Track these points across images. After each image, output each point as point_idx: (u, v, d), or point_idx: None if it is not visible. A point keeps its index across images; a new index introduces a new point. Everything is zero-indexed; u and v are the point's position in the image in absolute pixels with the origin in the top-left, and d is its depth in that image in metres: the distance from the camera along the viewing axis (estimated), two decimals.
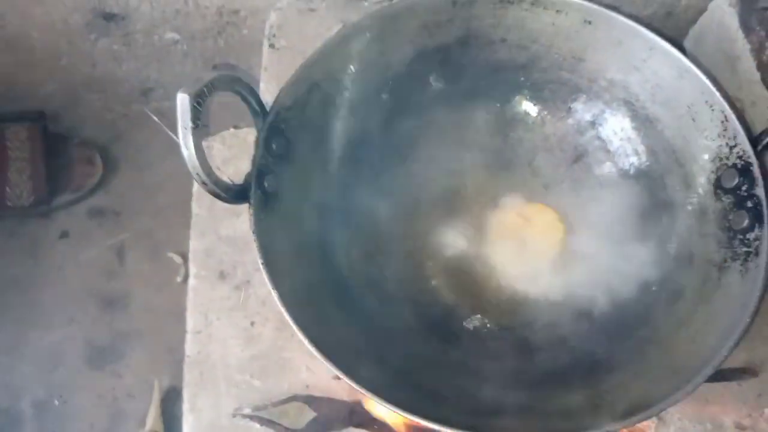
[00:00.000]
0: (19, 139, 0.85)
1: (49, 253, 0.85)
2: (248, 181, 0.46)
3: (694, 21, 0.73)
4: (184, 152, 0.42)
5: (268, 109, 0.48)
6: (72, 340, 0.80)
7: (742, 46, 0.66)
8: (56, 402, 0.78)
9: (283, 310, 0.42)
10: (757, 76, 0.63)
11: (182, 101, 0.41)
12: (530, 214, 0.58)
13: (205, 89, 0.42)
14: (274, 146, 0.48)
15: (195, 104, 0.41)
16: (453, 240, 0.56)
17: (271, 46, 0.67)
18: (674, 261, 0.51)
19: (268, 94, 0.63)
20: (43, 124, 0.87)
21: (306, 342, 0.41)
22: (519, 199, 0.58)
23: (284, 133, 0.49)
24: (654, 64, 0.53)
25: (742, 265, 0.46)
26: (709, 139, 0.50)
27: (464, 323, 0.53)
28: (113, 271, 0.84)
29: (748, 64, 0.64)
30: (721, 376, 0.49)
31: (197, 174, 0.42)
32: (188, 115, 0.41)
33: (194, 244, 0.58)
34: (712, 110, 0.50)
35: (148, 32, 0.78)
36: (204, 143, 0.63)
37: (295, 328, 0.42)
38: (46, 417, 0.77)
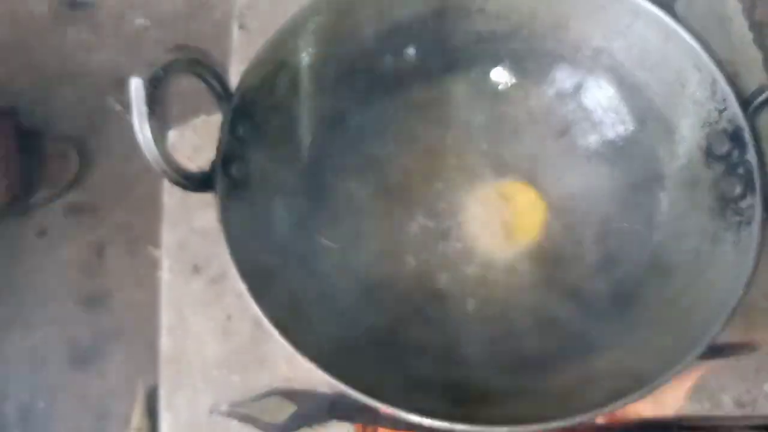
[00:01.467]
0: None
1: (27, 252, 0.84)
2: (214, 168, 0.44)
3: None
4: (140, 139, 0.40)
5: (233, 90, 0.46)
6: (54, 340, 0.79)
7: (733, 6, 0.64)
8: (41, 404, 0.76)
9: (252, 302, 0.40)
10: (750, 36, 0.61)
11: (136, 86, 0.39)
12: (510, 193, 0.55)
13: (160, 72, 0.40)
14: (240, 130, 0.46)
15: (151, 88, 0.39)
16: (432, 220, 0.54)
17: (241, 26, 0.64)
18: (665, 233, 0.50)
19: (237, 77, 0.61)
20: (15, 120, 0.85)
21: (278, 336, 0.40)
22: (500, 177, 0.56)
23: (251, 116, 0.47)
24: (639, 29, 0.50)
25: (734, 235, 0.44)
26: (698, 104, 0.48)
27: (447, 307, 0.51)
28: (93, 269, 0.83)
29: (740, 25, 0.62)
30: (718, 352, 0.47)
31: (156, 162, 0.41)
32: (143, 101, 0.39)
33: (166, 237, 0.56)
34: (701, 73, 0.47)
35: (117, 19, 0.76)
36: (174, 132, 0.62)
37: (266, 321, 0.40)
38: (30, 420, 0.76)
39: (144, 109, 0.39)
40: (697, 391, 0.51)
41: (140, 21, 0.76)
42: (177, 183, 0.42)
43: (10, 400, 0.76)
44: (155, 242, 0.81)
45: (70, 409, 0.75)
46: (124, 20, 0.76)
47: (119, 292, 0.80)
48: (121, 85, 0.88)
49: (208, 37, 0.78)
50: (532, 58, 0.56)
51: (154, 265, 0.81)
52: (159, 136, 0.40)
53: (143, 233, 0.82)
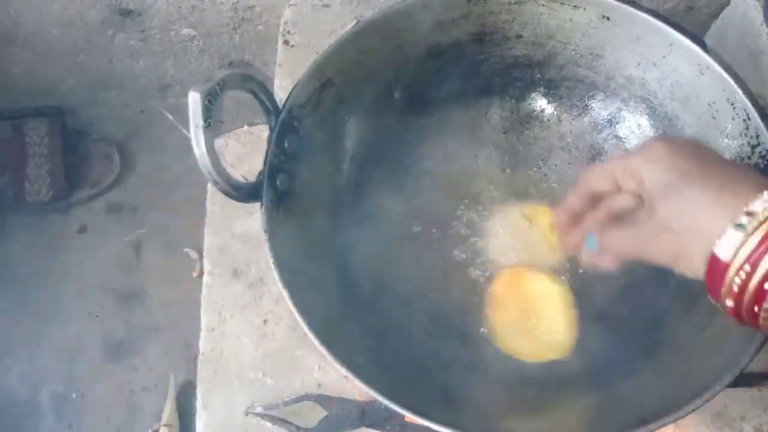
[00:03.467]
0: (38, 135, 0.86)
1: (67, 248, 0.87)
2: (260, 179, 0.46)
3: (715, 15, 0.72)
4: (196, 151, 0.42)
5: (281, 106, 0.48)
6: (90, 333, 0.82)
7: (766, 40, 0.64)
8: (74, 395, 0.79)
9: (293, 309, 0.42)
10: None
11: (194, 99, 0.41)
12: (533, 216, 0.56)
13: (216, 87, 0.42)
14: (286, 144, 0.48)
15: (206, 102, 0.41)
16: (462, 239, 0.55)
17: (286, 42, 0.66)
18: None
19: (282, 90, 0.63)
20: (61, 120, 0.89)
21: (316, 342, 0.41)
22: (526, 199, 0.57)
23: (297, 130, 0.49)
24: (673, 61, 0.51)
25: None
26: (730, 137, 0.49)
27: (479, 328, 0.52)
28: (130, 266, 0.85)
29: None
30: (740, 381, 0.48)
31: (209, 173, 0.42)
32: (200, 114, 0.41)
33: (208, 242, 0.58)
34: (734, 108, 0.48)
35: (165, 28, 0.78)
36: (219, 140, 0.64)
37: (305, 327, 0.41)
38: (64, 410, 0.78)
39: (201, 122, 0.41)
40: (717, 418, 0.52)
41: (187, 31, 0.78)
42: (226, 193, 0.44)
43: (46, 389, 0.79)
44: (191, 244, 0.85)
45: (102, 400, 0.78)
46: (171, 29, 0.78)
47: (155, 290, 0.83)
48: (164, 91, 0.92)
49: (251, 48, 0.80)
50: (567, 85, 0.58)
51: (189, 265, 0.84)
52: (212, 148, 0.42)
53: (180, 235, 0.85)
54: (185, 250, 0.85)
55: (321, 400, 0.50)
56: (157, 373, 0.78)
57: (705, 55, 0.50)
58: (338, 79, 0.51)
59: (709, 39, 0.72)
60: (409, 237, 0.55)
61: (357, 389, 0.51)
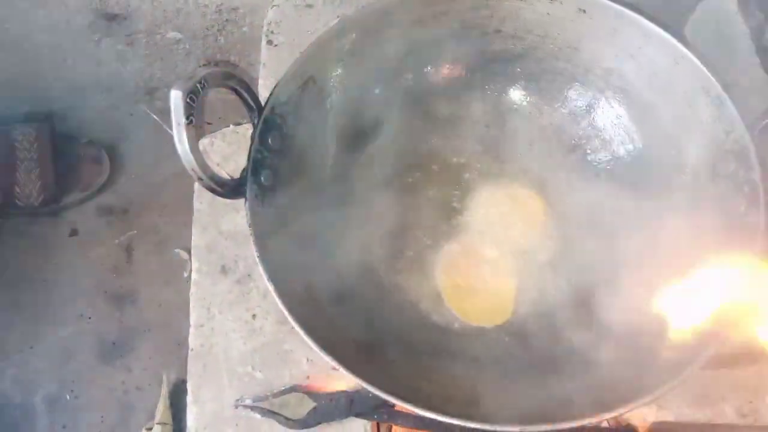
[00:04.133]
0: (28, 140, 0.87)
1: (59, 251, 0.87)
2: (244, 176, 0.47)
3: (693, 8, 0.73)
4: (179, 148, 0.42)
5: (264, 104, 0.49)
6: (83, 335, 0.82)
7: (741, 30, 0.65)
8: (68, 396, 0.79)
9: (279, 303, 0.43)
10: (756, 59, 0.63)
11: (175, 97, 0.41)
12: (517, 201, 0.58)
13: (198, 85, 0.43)
14: (269, 140, 0.49)
15: (188, 100, 0.42)
16: (447, 231, 0.57)
17: (269, 42, 0.67)
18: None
19: (267, 89, 0.64)
20: (50, 124, 0.89)
21: (302, 333, 0.42)
22: (509, 184, 0.59)
23: (280, 127, 0.50)
24: (649, 52, 0.52)
25: None
26: (705, 124, 0.50)
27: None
28: (122, 268, 0.86)
29: (747, 48, 0.63)
30: (720, 362, 0.49)
31: (192, 169, 0.43)
32: (181, 111, 0.41)
33: (196, 240, 0.59)
34: (709, 96, 0.49)
35: (151, 32, 0.79)
36: (205, 140, 0.65)
37: (291, 320, 0.42)
38: (58, 411, 0.79)
39: (182, 119, 0.42)
40: (699, 399, 0.53)
41: (173, 34, 0.79)
42: (211, 189, 0.45)
43: (40, 391, 0.80)
44: (182, 244, 0.85)
45: (96, 401, 0.78)
46: (157, 33, 0.79)
47: (146, 290, 0.84)
48: (152, 94, 0.93)
49: (236, 50, 0.81)
50: (546, 78, 0.59)
51: (180, 266, 0.85)
52: (195, 145, 0.43)
53: (170, 235, 0.86)
54: (176, 250, 0.85)
55: (310, 391, 0.51)
56: (150, 373, 0.79)
57: (680, 45, 0.51)
58: (320, 77, 0.52)
59: (687, 31, 0.73)
60: (394, 228, 0.56)
61: (344, 380, 0.52)
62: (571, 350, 0.49)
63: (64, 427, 0.78)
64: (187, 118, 0.42)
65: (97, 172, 0.89)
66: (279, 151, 0.49)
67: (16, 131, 0.86)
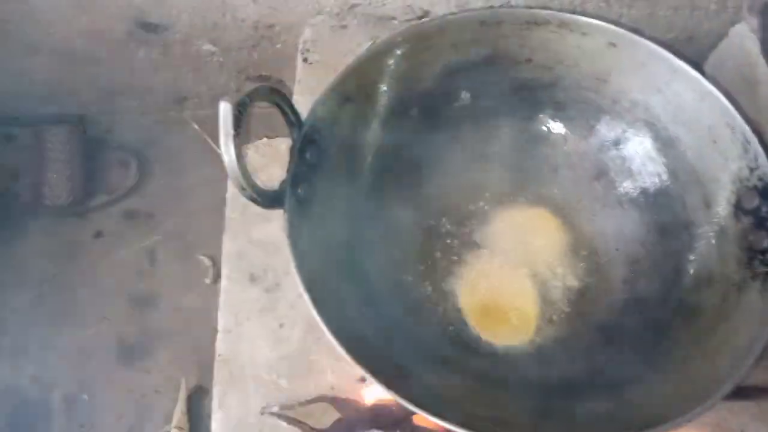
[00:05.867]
0: (59, 141, 0.88)
1: (83, 252, 0.88)
2: (283, 188, 0.48)
3: (714, 46, 0.75)
4: (226, 159, 0.43)
5: (302, 119, 0.51)
6: (103, 337, 0.83)
7: (762, 71, 0.67)
8: (85, 396, 0.80)
9: (314, 313, 0.44)
10: None
11: (225, 109, 0.43)
12: (538, 221, 0.60)
13: (246, 98, 0.44)
14: (307, 155, 0.50)
15: (236, 112, 0.43)
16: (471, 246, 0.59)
17: (305, 60, 0.69)
18: (693, 279, 0.52)
19: (300, 105, 0.65)
20: (81, 127, 0.91)
21: (336, 345, 0.43)
22: (531, 207, 0.61)
23: (317, 143, 0.51)
24: (676, 87, 0.54)
25: (761, 284, 0.47)
26: (729, 160, 0.51)
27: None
28: (145, 272, 0.87)
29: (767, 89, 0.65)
30: (740, 394, 0.50)
31: (237, 180, 0.44)
32: (230, 123, 0.43)
33: (227, 247, 0.60)
34: (733, 132, 0.51)
35: (186, 43, 0.81)
36: None
37: (326, 332, 0.43)
38: (75, 411, 0.79)
39: (231, 131, 0.43)
40: (717, 430, 0.54)
41: (207, 47, 0.81)
42: (251, 199, 0.46)
43: (57, 390, 0.80)
44: (205, 251, 0.87)
45: (113, 402, 0.79)
46: (192, 45, 0.81)
47: (168, 295, 0.85)
48: (181, 103, 0.94)
49: (268, 66, 0.83)
50: (573, 107, 0.60)
51: (203, 272, 0.86)
52: (241, 157, 0.44)
53: (194, 242, 0.87)
54: (199, 256, 0.86)
55: (335, 402, 0.52)
56: (168, 377, 0.80)
57: (705, 82, 0.52)
58: (356, 96, 0.54)
59: (707, 68, 0.75)
60: (422, 244, 0.58)
61: (369, 392, 0.53)
62: (594, 375, 0.50)
63: (81, 426, 0.78)
64: (235, 130, 0.43)
65: (124, 176, 0.90)
66: (316, 165, 0.51)
67: (48, 132, 0.88)
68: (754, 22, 0.71)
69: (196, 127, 0.72)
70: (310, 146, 0.51)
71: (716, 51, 0.75)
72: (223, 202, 0.63)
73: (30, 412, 0.79)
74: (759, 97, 0.66)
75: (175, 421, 0.73)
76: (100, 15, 0.76)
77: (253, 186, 0.46)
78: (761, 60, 0.68)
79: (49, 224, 0.89)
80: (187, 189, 0.90)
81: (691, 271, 0.53)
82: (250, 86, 0.45)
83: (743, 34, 0.71)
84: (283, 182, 0.49)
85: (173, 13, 0.76)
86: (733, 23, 0.72)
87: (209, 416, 0.54)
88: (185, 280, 0.85)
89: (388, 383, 0.42)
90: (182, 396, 0.75)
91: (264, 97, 0.48)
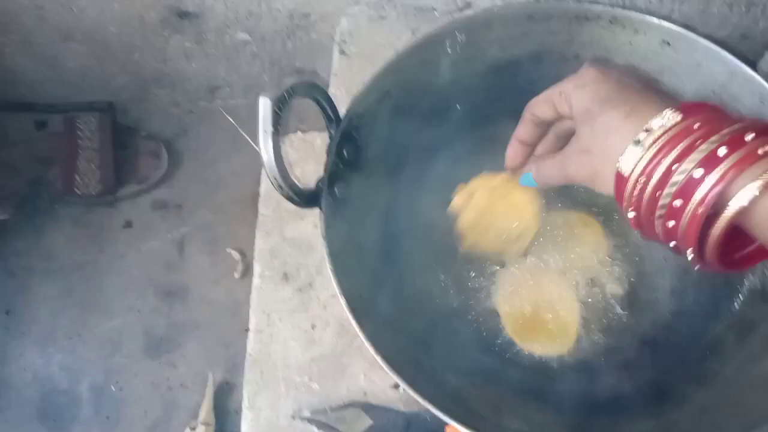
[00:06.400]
0: (90, 129, 0.88)
1: (112, 242, 0.88)
2: (320, 186, 0.47)
3: None
4: (264, 156, 0.42)
5: (340, 115, 0.49)
6: (131, 328, 0.83)
7: None
8: (113, 387, 0.80)
9: (350, 316, 0.42)
10: None
11: (264, 106, 0.41)
12: (576, 223, 0.58)
13: (285, 95, 0.43)
14: (345, 153, 0.49)
15: (276, 109, 0.42)
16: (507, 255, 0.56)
17: (342, 52, 0.67)
18: (746, 293, 0.50)
19: (337, 99, 0.64)
20: (112, 115, 0.91)
21: (372, 350, 0.42)
22: (576, 209, 0.58)
23: (355, 140, 0.50)
24: (734, 89, 0.51)
25: None
26: None
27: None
28: (173, 263, 0.87)
29: None
30: None
31: (275, 178, 0.43)
32: (269, 120, 0.41)
33: (260, 244, 0.59)
34: None
35: (220, 31, 0.80)
36: None
37: (361, 334, 0.42)
38: (102, 401, 0.80)
39: (270, 128, 0.42)
40: None
41: (241, 36, 0.79)
42: (288, 198, 0.45)
43: (85, 380, 0.80)
44: (234, 244, 0.86)
45: (140, 394, 0.79)
46: (226, 33, 0.79)
47: (197, 288, 0.84)
48: (213, 93, 0.93)
49: (302, 55, 0.82)
50: None
51: (231, 265, 0.85)
52: (279, 154, 0.43)
53: (223, 234, 0.86)
54: (228, 250, 0.86)
55: (367, 408, 0.50)
56: (195, 371, 0.79)
57: (767, 85, 0.49)
58: (396, 91, 0.52)
59: (762, 68, 0.72)
60: (457, 250, 0.56)
61: (403, 399, 0.51)
62: (637, 391, 0.48)
63: (107, 417, 0.78)
64: (274, 127, 0.42)
65: (154, 166, 0.90)
66: (353, 164, 0.49)
67: (79, 120, 0.88)
68: None
69: (229, 118, 0.71)
70: (347, 144, 0.49)
71: None
72: (253, 194, 0.62)
73: (58, 400, 0.79)
74: None
75: (202, 416, 0.73)
76: (132, 2, 0.75)
77: (291, 185, 0.44)
78: None
79: (78, 213, 0.89)
80: (216, 180, 0.89)
81: (745, 285, 0.51)
82: (288, 81, 0.43)
83: None
84: (320, 180, 0.47)
85: (209, 0, 0.75)
86: None
87: (236, 412, 0.53)
88: (214, 273, 0.84)
89: (422, 391, 0.41)
90: (209, 391, 0.75)
91: (302, 93, 0.46)
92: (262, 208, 0.60)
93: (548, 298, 0.55)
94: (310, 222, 0.55)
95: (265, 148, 0.42)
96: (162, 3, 0.76)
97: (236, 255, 0.85)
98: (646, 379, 0.49)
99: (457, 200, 0.51)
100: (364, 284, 0.47)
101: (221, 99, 0.92)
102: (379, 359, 0.42)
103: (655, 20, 0.52)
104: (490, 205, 0.51)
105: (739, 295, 0.50)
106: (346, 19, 0.70)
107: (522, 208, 0.51)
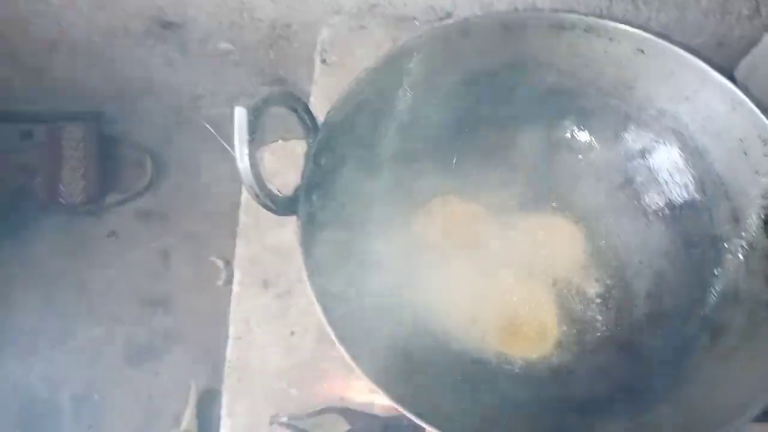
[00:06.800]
0: (75, 139, 0.88)
1: (96, 252, 0.88)
2: (297, 194, 0.47)
3: (746, 52, 0.72)
4: (240, 165, 0.43)
5: (319, 123, 0.49)
6: (114, 337, 0.83)
7: None
8: (95, 397, 0.80)
9: (325, 323, 0.43)
10: None
11: (239, 115, 0.42)
12: (558, 230, 0.58)
13: (261, 103, 0.43)
14: (323, 161, 0.49)
15: (251, 118, 0.42)
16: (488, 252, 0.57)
17: (323, 61, 0.68)
18: (719, 296, 0.51)
19: (317, 107, 0.64)
20: (97, 125, 0.91)
21: (347, 357, 0.42)
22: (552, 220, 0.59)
23: (334, 148, 0.50)
24: (706, 96, 0.52)
25: None
26: (760, 174, 0.49)
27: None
28: (157, 272, 0.87)
29: None
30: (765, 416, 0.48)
31: (251, 186, 0.44)
32: (245, 129, 0.42)
33: (240, 252, 0.59)
34: (765, 145, 0.49)
35: (203, 41, 0.80)
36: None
37: (337, 342, 0.42)
38: (84, 410, 0.79)
39: (245, 136, 0.42)
40: None
41: (224, 45, 0.80)
42: (265, 206, 0.45)
43: (66, 389, 0.80)
44: (218, 253, 0.86)
45: (122, 403, 0.79)
46: (209, 43, 0.80)
47: (180, 297, 0.84)
48: (197, 102, 0.93)
49: (285, 65, 0.82)
50: (598, 114, 0.58)
51: (215, 274, 0.85)
52: (255, 163, 0.43)
53: (208, 243, 0.86)
54: (212, 258, 0.86)
55: (345, 413, 0.50)
56: (178, 379, 0.79)
57: (737, 91, 0.50)
58: (375, 100, 0.53)
59: (738, 75, 0.73)
60: (436, 254, 0.56)
61: (380, 404, 0.51)
62: (614, 394, 0.48)
63: (89, 427, 0.78)
64: (250, 136, 0.42)
65: (139, 176, 0.90)
66: (331, 172, 0.50)
67: (64, 129, 0.88)
68: None
69: (208, 127, 0.71)
70: (325, 151, 0.50)
71: (748, 57, 0.73)
72: (237, 203, 0.62)
73: (39, 411, 0.79)
74: None
75: (184, 424, 0.72)
76: (117, 13, 0.75)
77: (267, 192, 0.45)
78: None
79: (63, 222, 0.89)
80: (201, 190, 0.89)
81: (718, 288, 0.51)
82: (264, 90, 0.44)
83: None
84: (298, 189, 0.48)
85: (191, 11, 0.75)
86: (766, 29, 0.70)
87: (219, 419, 0.53)
88: (198, 282, 0.85)
89: (398, 397, 0.41)
90: (192, 399, 0.75)
91: (280, 102, 0.47)
92: (242, 216, 0.61)
93: (528, 303, 0.56)
94: (291, 229, 0.55)
95: (241, 156, 0.43)
96: (145, 14, 0.76)
97: (220, 263, 0.85)
98: (621, 381, 0.50)
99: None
100: (342, 292, 0.48)
101: (205, 108, 0.93)
102: (353, 364, 0.42)
103: (630, 29, 0.53)
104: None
105: (712, 297, 0.51)
106: (328, 29, 0.71)
107: None
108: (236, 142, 0.42)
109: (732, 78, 0.51)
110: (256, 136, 0.43)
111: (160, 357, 0.82)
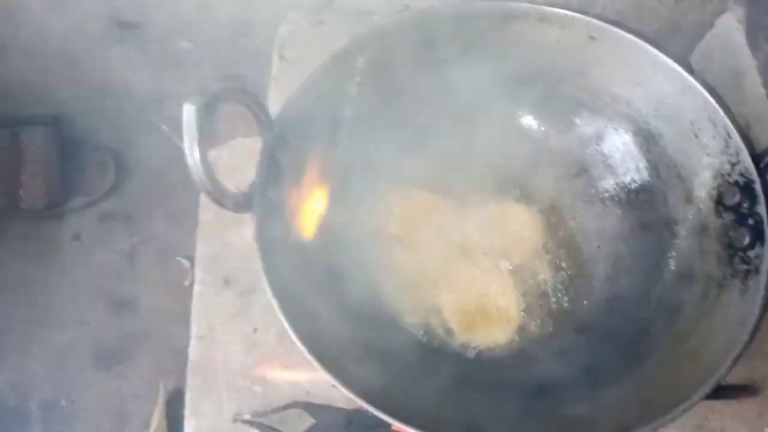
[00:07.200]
0: (35, 143, 0.87)
1: (60, 255, 0.87)
2: (252, 191, 0.47)
3: (700, 37, 0.73)
4: (189, 162, 0.42)
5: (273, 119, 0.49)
6: (81, 340, 0.82)
7: (748, 62, 0.66)
8: (63, 402, 0.79)
9: (282, 318, 0.43)
10: (763, 92, 0.64)
11: (188, 112, 0.42)
12: (517, 218, 0.59)
13: (211, 100, 0.43)
14: (278, 156, 0.49)
15: (201, 114, 0.42)
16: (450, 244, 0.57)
17: (281, 57, 0.68)
18: (674, 276, 0.52)
19: (277, 103, 0.64)
20: (57, 128, 0.90)
21: (304, 351, 0.42)
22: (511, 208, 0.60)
23: (290, 144, 0.50)
24: (657, 80, 0.53)
25: (742, 282, 0.46)
26: (711, 155, 0.50)
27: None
28: (123, 274, 0.86)
29: (753, 81, 0.64)
30: (720, 393, 0.49)
31: (201, 182, 0.43)
32: (194, 126, 0.42)
33: (200, 250, 0.59)
34: (715, 127, 0.50)
35: (163, 41, 0.80)
36: (212, 152, 0.65)
37: (293, 336, 0.42)
38: (52, 417, 0.79)
39: (195, 133, 0.42)
40: (698, 430, 0.53)
41: (184, 44, 0.79)
42: (218, 203, 0.45)
43: (34, 395, 0.79)
44: (184, 253, 0.85)
45: (91, 408, 0.78)
46: (168, 42, 0.79)
47: (147, 298, 0.84)
48: (160, 102, 0.93)
49: (247, 62, 0.82)
50: (553, 102, 0.59)
51: (181, 274, 0.85)
52: (205, 159, 0.43)
53: (173, 244, 0.85)
54: (178, 258, 0.85)
55: (308, 408, 0.51)
56: (147, 381, 0.79)
57: (687, 76, 0.51)
58: (330, 95, 0.53)
59: (693, 60, 0.74)
60: (396, 247, 0.57)
61: (344, 397, 0.51)
62: (575, 375, 0.49)
63: None
64: (199, 133, 0.42)
65: (102, 178, 0.89)
66: (288, 167, 0.50)
67: (23, 133, 0.86)
68: (740, 12, 0.70)
69: (165, 128, 0.71)
70: (281, 147, 0.49)
71: (702, 43, 0.74)
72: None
73: (7, 418, 0.78)
74: (745, 88, 0.65)
75: (153, 426, 0.72)
76: (72, 13, 0.74)
77: (220, 189, 0.45)
78: (747, 51, 0.67)
79: (25, 227, 0.88)
80: (164, 191, 0.88)
81: (673, 268, 0.52)
82: (214, 87, 0.43)
83: (729, 25, 0.70)
84: (253, 185, 0.48)
85: (149, 10, 0.75)
86: (719, 13, 0.71)
87: None
88: (164, 282, 0.84)
89: (360, 392, 0.41)
90: (161, 400, 0.74)
91: (231, 98, 0.46)
92: (202, 214, 0.60)
93: (488, 289, 0.56)
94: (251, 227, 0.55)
95: (191, 154, 0.42)
96: (102, 14, 0.76)
97: (186, 263, 0.85)
98: (581, 363, 0.50)
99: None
100: (300, 287, 0.48)
101: (169, 108, 0.92)
102: (311, 360, 0.42)
103: (581, 16, 0.54)
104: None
105: (668, 278, 0.52)
106: (286, 25, 0.70)
107: None
108: (185, 138, 0.42)
109: (687, 64, 0.52)
110: (208, 133, 0.43)
111: (128, 359, 0.81)
